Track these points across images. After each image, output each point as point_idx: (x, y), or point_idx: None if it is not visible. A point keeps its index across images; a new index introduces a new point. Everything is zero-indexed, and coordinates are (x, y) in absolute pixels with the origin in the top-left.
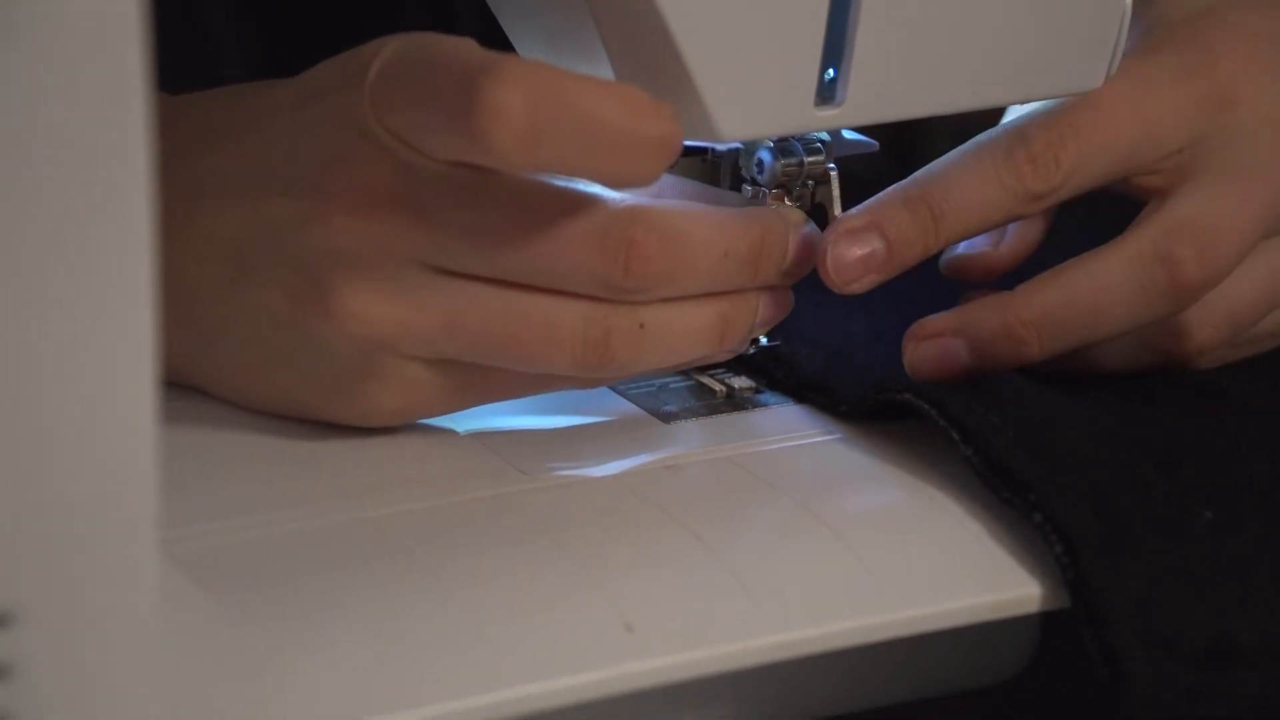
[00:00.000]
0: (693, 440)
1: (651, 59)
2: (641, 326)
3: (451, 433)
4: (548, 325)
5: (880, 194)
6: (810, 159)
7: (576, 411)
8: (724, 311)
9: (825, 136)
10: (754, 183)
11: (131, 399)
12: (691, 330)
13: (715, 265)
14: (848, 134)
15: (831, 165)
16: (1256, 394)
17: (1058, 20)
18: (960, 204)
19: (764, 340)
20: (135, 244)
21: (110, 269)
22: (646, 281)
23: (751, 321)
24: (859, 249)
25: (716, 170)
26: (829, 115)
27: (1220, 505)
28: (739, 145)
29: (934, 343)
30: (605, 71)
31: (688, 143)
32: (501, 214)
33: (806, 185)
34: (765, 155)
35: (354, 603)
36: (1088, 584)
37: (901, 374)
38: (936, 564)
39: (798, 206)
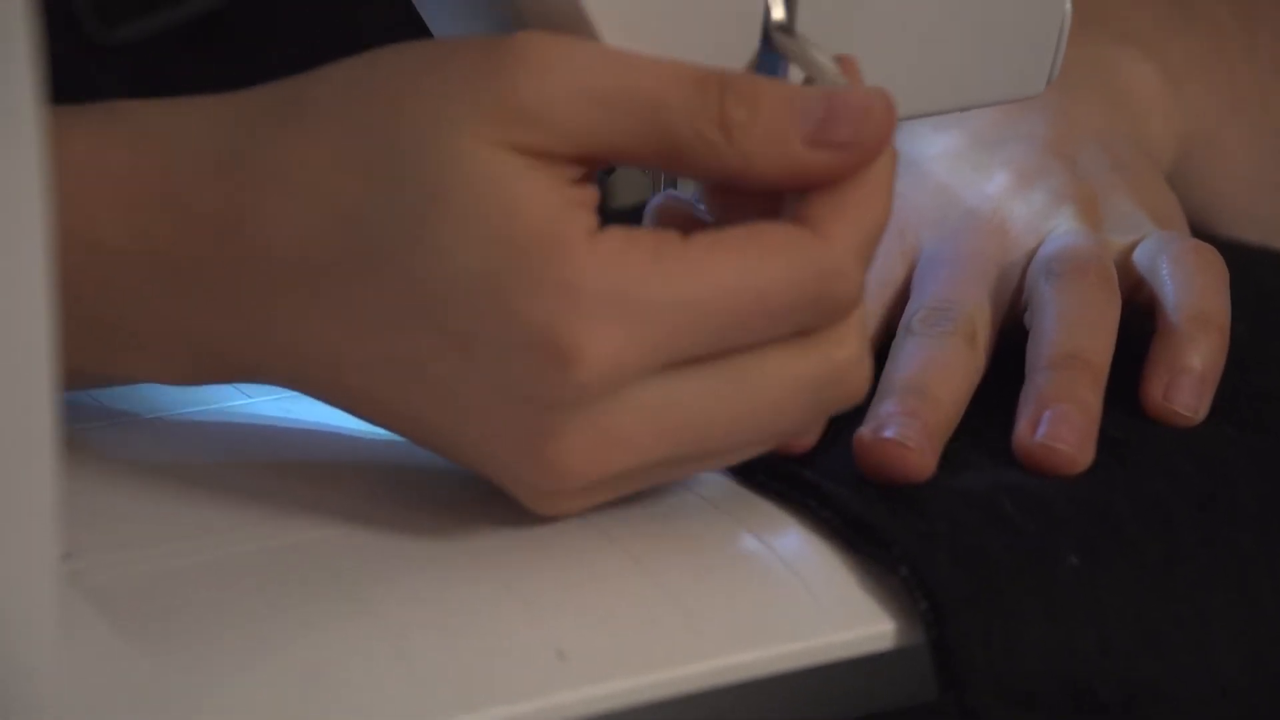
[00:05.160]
0: None
1: None
2: None
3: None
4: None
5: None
6: None
7: None
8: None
9: None
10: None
11: (28, 418)
12: None
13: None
14: None
15: None
16: (1116, 423)
17: (997, 26)
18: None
19: None
20: (29, 251)
21: (3, 280)
22: None
23: None
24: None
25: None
26: None
27: (1086, 549)
28: None
29: None
30: None
31: None
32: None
33: None
34: None
35: (270, 631)
36: (951, 647)
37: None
38: (884, 583)
39: None
